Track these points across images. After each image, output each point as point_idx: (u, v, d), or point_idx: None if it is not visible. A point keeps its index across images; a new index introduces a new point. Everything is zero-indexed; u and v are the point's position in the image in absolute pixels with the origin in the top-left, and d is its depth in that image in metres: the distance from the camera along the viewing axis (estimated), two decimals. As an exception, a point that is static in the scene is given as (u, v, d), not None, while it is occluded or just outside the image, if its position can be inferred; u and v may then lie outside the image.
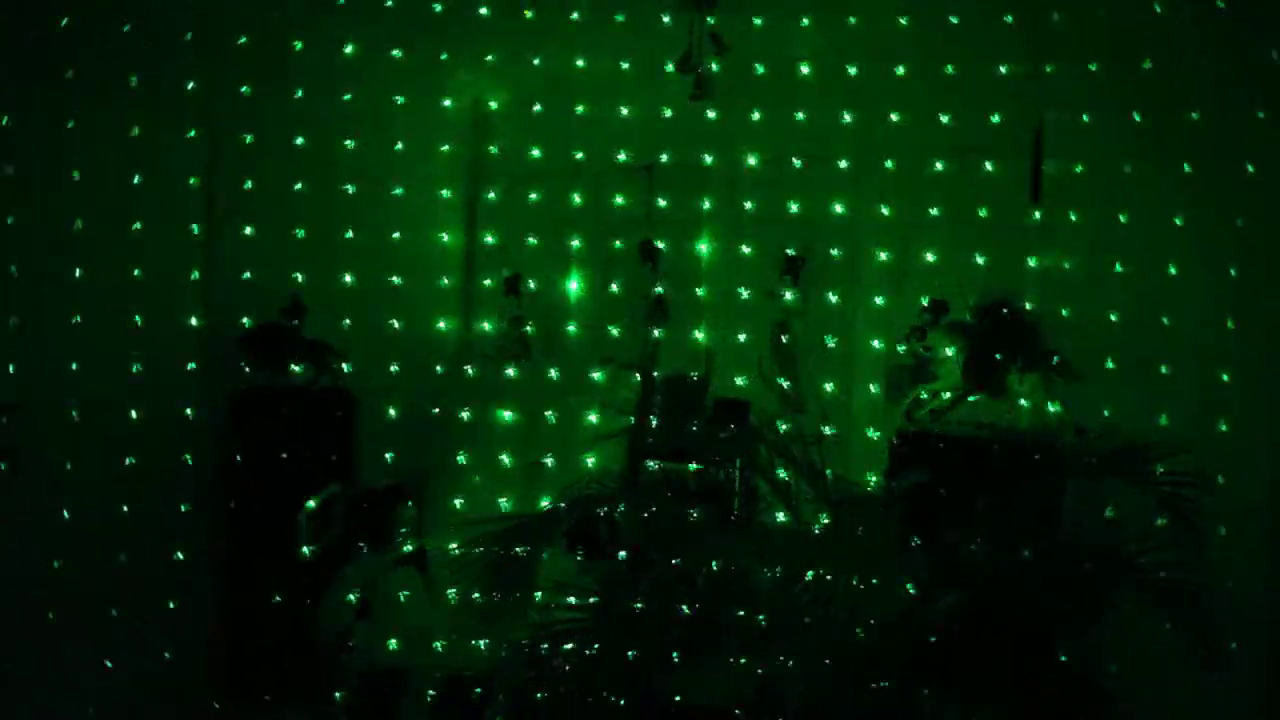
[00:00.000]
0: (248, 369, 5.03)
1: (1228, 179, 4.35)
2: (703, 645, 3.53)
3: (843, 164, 5.40)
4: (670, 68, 4.94)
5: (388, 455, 5.51)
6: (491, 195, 6.22)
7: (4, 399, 4.02)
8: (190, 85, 4.87)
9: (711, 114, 5.36)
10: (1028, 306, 4.73)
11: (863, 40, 5.07)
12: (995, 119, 4.99)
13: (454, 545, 3.87)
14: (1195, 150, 4.45)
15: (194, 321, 5.08)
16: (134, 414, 4.75)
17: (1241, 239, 4.35)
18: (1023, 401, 4.34)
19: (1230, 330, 4.34)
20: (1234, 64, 4.34)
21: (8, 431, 3.95)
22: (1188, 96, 4.46)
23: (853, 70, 5.19)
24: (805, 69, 5.23)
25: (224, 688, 4.93)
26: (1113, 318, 4.68)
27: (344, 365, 5.26)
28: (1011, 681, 3.30)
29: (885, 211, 5.33)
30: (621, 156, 5.74)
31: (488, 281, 5.95)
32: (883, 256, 5.36)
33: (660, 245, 5.60)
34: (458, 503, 5.46)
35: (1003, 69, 4.96)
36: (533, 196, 5.96)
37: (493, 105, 5.89)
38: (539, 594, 3.78)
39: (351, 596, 4.78)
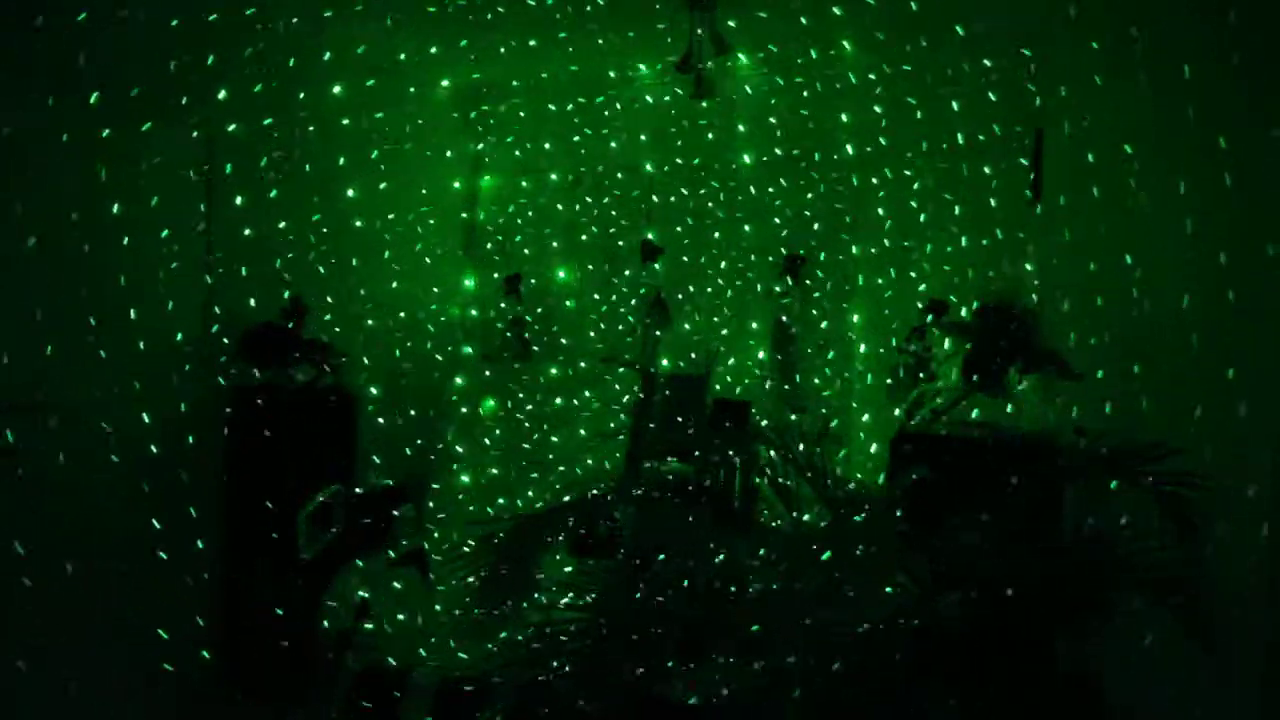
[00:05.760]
0: (247, 369, 5.03)
1: (1230, 183, 4.34)
2: (703, 645, 3.53)
3: (842, 165, 5.41)
4: (663, 66, 4.96)
5: (387, 456, 5.52)
6: (490, 196, 6.24)
7: (2, 399, 4.02)
8: (188, 85, 4.86)
9: (709, 115, 5.37)
10: (1028, 306, 4.72)
11: (860, 42, 5.07)
12: (996, 118, 4.98)
13: (453, 545, 3.86)
14: (1199, 151, 4.44)
15: (193, 322, 5.07)
16: (132, 415, 4.75)
17: (1243, 242, 4.34)
18: (1022, 392, 4.34)
19: (1231, 331, 4.33)
20: (1246, 84, 4.33)
21: (6, 432, 3.94)
22: (1191, 102, 4.45)
23: (851, 71, 5.19)
24: (803, 69, 5.24)
25: (224, 688, 4.93)
26: (1112, 318, 4.67)
27: (344, 359, 5.25)
28: (1011, 681, 3.30)
29: (885, 211, 5.33)
30: (621, 157, 5.76)
31: (486, 282, 5.96)
32: (882, 257, 5.36)
33: (660, 245, 5.62)
34: (457, 503, 5.46)
35: (1004, 69, 4.95)
36: (531, 197, 5.98)
37: (491, 106, 5.90)
38: (539, 594, 3.78)
39: (351, 597, 4.78)
